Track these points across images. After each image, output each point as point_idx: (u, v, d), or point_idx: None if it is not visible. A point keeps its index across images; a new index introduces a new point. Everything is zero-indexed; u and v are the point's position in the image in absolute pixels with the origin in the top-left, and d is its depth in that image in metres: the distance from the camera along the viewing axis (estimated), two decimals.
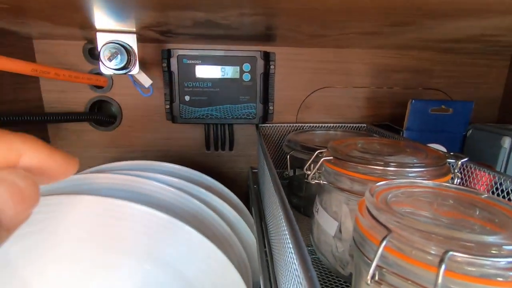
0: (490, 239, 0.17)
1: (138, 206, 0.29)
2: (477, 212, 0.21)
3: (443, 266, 0.15)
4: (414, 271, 0.17)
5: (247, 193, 0.59)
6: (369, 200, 0.21)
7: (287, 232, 0.18)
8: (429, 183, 0.24)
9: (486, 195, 0.22)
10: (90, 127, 0.56)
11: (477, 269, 0.16)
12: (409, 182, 0.24)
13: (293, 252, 0.17)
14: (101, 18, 0.33)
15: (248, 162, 0.60)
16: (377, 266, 0.18)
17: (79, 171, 0.46)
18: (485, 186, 0.34)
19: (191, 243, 0.29)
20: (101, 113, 0.55)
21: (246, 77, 0.51)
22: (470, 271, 0.16)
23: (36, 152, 0.15)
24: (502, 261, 0.16)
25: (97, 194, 0.29)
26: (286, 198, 0.23)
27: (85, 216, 0.28)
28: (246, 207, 0.46)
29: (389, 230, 0.18)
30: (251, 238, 0.39)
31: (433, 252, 0.16)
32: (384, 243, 0.17)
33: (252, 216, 0.43)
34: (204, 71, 0.50)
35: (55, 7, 0.26)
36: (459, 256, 0.16)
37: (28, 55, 0.51)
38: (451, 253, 0.15)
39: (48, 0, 0.24)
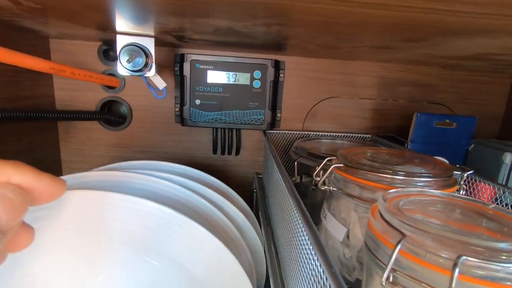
0: (501, 245, 0.18)
1: (152, 204, 0.29)
2: (485, 222, 0.22)
3: (457, 270, 0.16)
4: (427, 274, 0.18)
5: (251, 197, 0.60)
6: (383, 206, 0.21)
7: (306, 233, 0.19)
8: (438, 192, 0.25)
9: (493, 206, 0.23)
10: (100, 126, 0.57)
11: (488, 273, 0.17)
12: (419, 191, 0.25)
13: (313, 252, 0.17)
14: (123, 21, 0.34)
15: (253, 168, 0.61)
16: (391, 269, 0.19)
17: (87, 169, 0.47)
18: (488, 199, 0.35)
19: (203, 243, 0.30)
20: (111, 113, 0.56)
21: (257, 84, 0.52)
22: (481, 275, 0.17)
23: (24, 176, 0.18)
24: None
25: (109, 191, 0.29)
26: (302, 202, 0.23)
27: (91, 210, 0.29)
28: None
29: (403, 234, 0.19)
30: (256, 242, 0.40)
31: (446, 256, 0.17)
32: (399, 246, 0.18)
33: (259, 221, 0.44)
34: (216, 77, 0.51)
35: (83, 9, 0.28)
36: (472, 260, 0.16)
37: (44, 54, 0.52)
38: (464, 257, 0.16)
39: (80, 2, 0.25)
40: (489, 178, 0.34)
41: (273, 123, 0.56)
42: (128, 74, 0.39)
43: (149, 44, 0.40)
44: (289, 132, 0.57)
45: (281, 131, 0.57)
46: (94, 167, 0.47)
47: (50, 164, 0.55)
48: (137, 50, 0.37)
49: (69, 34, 0.47)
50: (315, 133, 0.57)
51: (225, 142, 0.57)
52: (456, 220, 0.22)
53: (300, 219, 0.21)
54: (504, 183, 0.52)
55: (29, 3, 0.26)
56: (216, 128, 0.56)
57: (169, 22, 0.31)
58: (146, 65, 0.39)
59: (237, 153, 0.59)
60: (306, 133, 0.57)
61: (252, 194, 0.59)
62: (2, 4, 0.27)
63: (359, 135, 0.58)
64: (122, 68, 0.38)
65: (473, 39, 0.27)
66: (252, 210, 0.47)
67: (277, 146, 0.57)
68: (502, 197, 0.32)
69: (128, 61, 0.37)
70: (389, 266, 0.18)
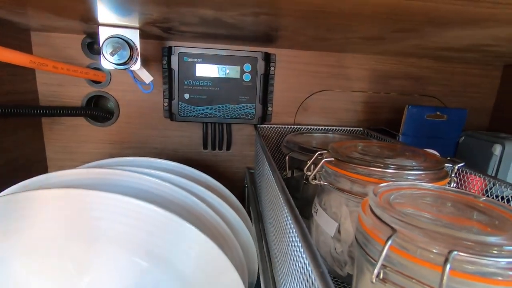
0: (492, 239, 0.17)
1: (138, 201, 0.28)
2: (476, 215, 0.21)
3: (448, 266, 0.15)
4: (418, 270, 0.17)
5: (242, 192, 0.59)
6: (373, 200, 0.21)
7: (294, 231, 0.18)
8: (429, 185, 0.25)
9: (484, 198, 0.23)
10: (86, 122, 0.55)
11: (478, 268, 0.16)
12: (410, 185, 0.25)
13: (301, 250, 0.17)
14: (105, 11, 0.32)
15: (244, 162, 0.60)
16: (382, 265, 0.18)
17: (74, 166, 0.46)
18: (478, 191, 0.35)
19: (191, 240, 0.29)
20: (98, 109, 0.54)
21: (247, 77, 0.51)
22: (472, 270, 0.16)
23: None
24: (503, 261, 0.16)
25: (94, 189, 0.28)
26: (291, 198, 0.23)
27: (74, 209, 0.28)
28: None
29: (393, 230, 0.18)
30: (248, 238, 0.39)
31: (437, 251, 0.17)
32: (389, 242, 0.18)
33: (250, 217, 0.43)
34: (205, 70, 0.50)
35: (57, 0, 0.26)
36: (463, 255, 0.16)
37: (25, 47, 0.50)
38: (455, 252, 0.16)
39: None
40: (480, 170, 0.34)
41: (264, 117, 0.55)
42: (113, 68, 0.38)
43: (134, 36, 0.38)
44: (281, 126, 0.56)
45: (272, 125, 0.56)
46: (81, 164, 0.46)
47: (36, 162, 0.54)
48: (121, 42, 0.36)
49: (51, 26, 0.45)
50: (306, 126, 0.57)
51: (216, 137, 0.57)
52: (447, 213, 0.21)
53: (289, 215, 0.20)
54: (494, 175, 0.53)
55: None
56: (206, 123, 0.55)
57: (153, 12, 0.29)
58: (131, 58, 0.37)
59: (228, 148, 0.58)
60: (298, 127, 0.57)
61: (244, 189, 0.59)
62: None
63: (351, 128, 0.57)
64: (106, 61, 0.37)
65: (463, 29, 0.27)
66: (244, 206, 0.47)
67: (269, 140, 0.56)
68: (493, 189, 0.32)
69: (112, 54, 0.36)
70: (380, 263, 0.18)
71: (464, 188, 0.35)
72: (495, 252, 0.16)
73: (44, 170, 0.56)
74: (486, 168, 0.53)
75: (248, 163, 0.60)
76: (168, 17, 0.31)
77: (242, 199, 0.53)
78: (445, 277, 0.15)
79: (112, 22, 0.37)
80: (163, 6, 0.26)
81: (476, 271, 0.16)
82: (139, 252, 0.29)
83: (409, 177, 0.28)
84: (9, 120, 0.47)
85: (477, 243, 0.17)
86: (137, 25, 0.38)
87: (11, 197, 0.27)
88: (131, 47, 0.37)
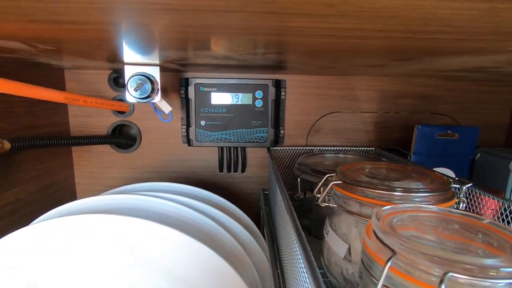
0: (489, 261, 0.18)
1: (157, 225, 0.31)
2: (479, 237, 0.22)
3: (442, 287, 0.16)
4: None
5: (258, 214, 0.60)
6: (376, 224, 0.22)
7: (300, 254, 0.20)
8: (433, 208, 0.26)
9: (487, 221, 0.23)
10: (111, 149, 0.60)
11: None
12: (414, 207, 0.26)
13: (306, 272, 0.18)
14: (130, 53, 0.36)
15: (259, 184, 0.62)
16: (384, 286, 0.19)
17: (100, 190, 0.49)
18: (491, 211, 0.35)
19: (207, 262, 0.31)
20: (122, 136, 0.59)
21: (259, 103, 0.54)
22: None
23: None
24: (501, 283, 0.17)
25: (120, 214, 0.31)
26: (298, 221, 0.24)
27: (105, 234, 0.30)
28: (257, 227, 0.47)
29: (394, 252, 0.19)
30: (263, 259, 0.40)
31: (435, 273, 0.18)
32: (389, 264, 0.19)
33: (264, 238, 0.45)
34: (219, 98, 0.54)
35: (94, 48, 0.30)
36: (460, 277, 0.17)
37: (59, 83, 0.55)
38: (450, 274, 0.17)
39: (90, 43, 0.27)
40: (492, 190, 0.34)
41: (277, 140, 0.57)
42: (135, 101, 0.42)
43: (155, 72, 0.42)
44: (293, 148, 0.58)
45: (284, 148, 0.58)
46: (106, 188, 0.49)
47: (65, 187, 0.58)
48: (143, 79, 0.40)
49: (81, 66, 0.50)
50: (318, 148, 0.58)
51: (231, 160, 0.59)
52: (449, 235, 0.22)
53: (295, 238, 0.22)
54: None
55: (45, 46, 0.28)
56: (222, 147, 0.58)
57: (172, 54, 0.33)
58: (152, 91, 0.41)
59: (243, 170, 0.61)
60: (310, 148, 0.58)
61: (259, 210, 0.60)
62: (21, 47, 0.29)
63: (363, 148, 0.58)
64: (130, 96, 0.41)
65: (459, 57, 0.28)
66: (260, 227, 0.48)
67: (281, 162, 0.58)
68: (507, 209, 0.32)
69: (136, 90, 0.40)
70: (380, 283, 0.19)
71: (477, 209, 0.35)
72: (492, 273, 0.17)
73: (72, 194, 0.60)
74: (505, 185, 0.52)
75: (263, 184, 0.62)
76: (185, 57, 0.35)
77: (257, 220, 0.54)
78: None
79: (136, 61, 0.41)
80: (180, 50, 0.30)
81: None
82: (160, 273, 0.31)
83: (415, 200, 0.29)
84: (44, 149, 0.52)
85: (475, 265, 0.18)
86: (157, 62, 0.42)
87: (53, 222, 0.30)
88: (152, 82, 0.41)
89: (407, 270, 0.19)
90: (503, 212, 0.32)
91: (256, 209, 0.61)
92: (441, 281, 0.17)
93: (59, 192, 0.56)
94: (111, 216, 0.29)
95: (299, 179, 0.45)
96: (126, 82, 0.40)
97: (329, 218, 0.36)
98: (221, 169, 0.60)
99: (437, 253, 0.19)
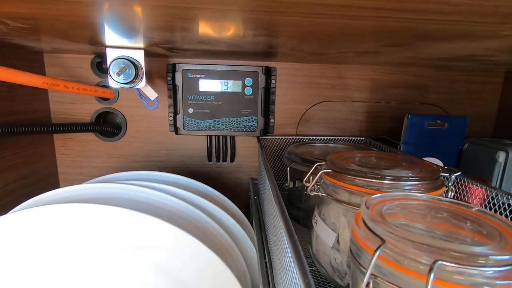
0: (478, 249, 0.18)
1: (141, 214, 0.30)
2: (468, 224, 0.22)
3: (432, 275, 0.16)
4: (406, 280, 0.18)
5: (247, 203, 0.60)
6: (365, 212, 0.22)
7: (287, 242, 0.19)
8: (423, 196, 0.26)
9: (476, 208, 0.23)
10: (95, 138, 0.57)
11: (466, 278, 0.17)
12: (403, 195, 0.25)
13: (292, 260, 0.18)
14: (112, 36, 0.34)
15: (249, 173, 0.61)
16: (372, 275, 0.19)
17: (83, 180, 0.47)
18: (478, 200, 0.35)
19: (193, 251, 0.30)
20: (106, 124, 0.57)
21: (248, 91, 0.53)
22: (459, 280, 0.17)
23: None
24: (489, 270, 0.17)
25: (101, 203, 0.30)
26: (286, 210, 0.24)
27: (85, 223, 0.29)
28: (246, 217, 0.46)
29: (383, 241, 0.19)
30: (251, 248, 0.40)
31: (424, 261, 0.17)
32: (378, 252, 0.18)
33: (253, 227, 0.44)
34: (208, 85, 0.52)
35: (72, 27, 0.28)
36: (449, 265, 0.17)
37: (38, 68, 0.53)
38: (440, 262, 0.16)
39: (67, 20, 0.26)
40: (480, 178, 0.34)
41: (267, 129, 0.56)
42: (119, 87, 0.40)
43: (139, 56, 0.40)
44: (283, 137, 0.57)
45: (274, 137, 0.57)
46: (90, 177, 0.48)
47: (46, 176, 0.56)
48: (126, 63, 0.38)
49: (62, 49, 0.48)
50: (308, 137, 0.57)
51: (220, 149, 0.58)
52: (438, 223, 0.22)
53: (282, 226, 0.21)
54: (499, 181, 0.52)
55: (16, 24, 0.26)
56: (210, 136, 0.57)
57: (155, 36, 0.31)
58: (136, 76, 0.39)
59: (232, 159, 0.60)
60: (300, 137, 0.57)
61: (248, 200, 0.60)
62: None
63: (353, 138, 0.58)
64: (113, 81, 0.39)
65: (452, 43, 0.28)
66: (249, 217, 0.47)
67: (271, 151, 0.57)
68: (494, 197, 0.32)
69: (118, 74, 0.38)
70: (369, 272, 0.18)
71: (464, 197, 0.36)
72: (481, 261, 0.17)
73: (55, 184, 0.58)
74: (491, 175, 0.53)
75: (252, 174, 0.61)
76: (170, 40, 0.33)
77: (246, 210, 0.53)
78: (429, 286, 0.16)
79: (119, 44, 0.39)
80: (165, 31, 0.28)
81: (464, 280, 0.17)
82: (147, 264, 0.30)
83: (405, 188, 0.29)
84: (22, 137, 0.50)
85: (464, 253, 0.17)
86: (142, 46, 0.40)
87: (26, 212, 0.29)
88: (136, 66, 0.39)
89: (396, 258, 0.18)
90: (490, 200, 0.33)
91: (245, 199, 0.61)
92: (431, 269, 0.16)
93: (40, 181, 0.54)
94: (90, 206, 0.28)
95: (288, 168, 0.45)
96: (108, 66, 0.38)
97: (318, 207, 0.35)
98: (209, 159, 0.59)
99: (426, 241, 0.18)
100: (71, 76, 0.54)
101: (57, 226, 0.29)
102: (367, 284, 0.18)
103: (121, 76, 0.38)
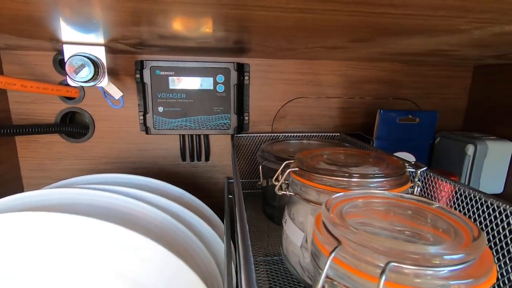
0: (433, 250, 0.17)
1: (103, 223, 0.28)
2: (428, 222, 0.22)
3: (383, 277, 0.16)
4: (362, 283, 0.17)
5: (223, 203, 0.59)
6: (324, 214, 0.21)
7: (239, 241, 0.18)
8: (386, 193, 0.25)
9: (437, 205, 0.23)
10: (61, 139, 0.55)
11: (420, 280, 0.16)
12: (366, 193, 0.25)
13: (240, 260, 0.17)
14: (68, 31, 0.32)
15: (224, 172, 0.60)
16: (329, 278, 0.18)
17: (50, 183, 0.45)
18: (448, 193, 0.35)
19: (158, 259, 0.29)
20: (73, 125, 0.54)
21: (220, 88, 0.51)
22: (414, 282, 0.16)
23: None
24: (443, 270, 0.16)
25: (59, 211, 0.28)
26: (244, 208, 0.23)
27: (43, 233, 0.27)
28: (222, 218, 0.45)
29: (339, 242, 0.18)
30: (223, 251, 0.39)
31: (378, 263, 0.17)
32: (333, 254, 0.18)
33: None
34: (178, 83, 0.50)
35: (15, 23, 0.26)
36: (402, 267, 0.16)
37: None
38: (392, 264, 0.16)
39: (5, 15, 0.23)
40: (446, 172, 0.35)
41: (241, 127, 0.55)
42: (79, 85, 0.38)
43: (99, 53, 0.38)
44: (258, 135, 0.56)
45: (249, 135, 0.56)
46: (57, 181, 0.45)
47: (10, 181, 0.53)
48: (84, 60, 0.36)
49: (19, 45, 0.45)
50: (283, 134, 0.57)
51: (194, 148, 0.56)
52: (398, 220, 0.22)
53: (238, 226, 0.20)
54: (468, 174, 0.54)
55: None
56: (183, 135, 0.55)
57: (114, 31, 0.30)
58: (97, 74, 0.37)
59: (207, 159, 0.58)
60: (275, 135, 0.57)
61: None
62: None
63: (328, 134, 0.58)
64: (71, 79, 0.37)
65: (413, 38, 0.27)
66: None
67: (246, 149, 0.56)
68: (461, 190, 0.32)
69: (76, 72, 0.36)
70: (323, 275, 0.18)
71: (431, 192, 0.36)
72: (436, 261, 0.17)
73: (19, 189, 0.55)
74: (461, 168, 0.54)
75: (228, 173, 0.60)
76: (128, 35, 0.32)
77: (223, 210, 0.52)
78: None
79: (76, 40, 0.37)
80: (124, 26, 0.26)
81: (419, 282, 0.16)
82: (112, 274, 0.29)
83: (371, 185, 0.28)
84: None
85: (418, 254, 0.17)
86: (102, 42, 0.38)
87: None
88: (95, 63, 0.37)
89: (352, 261, 0.18)
90: (461, 194, 0.33)
91: (220, 198, 0.60)
92: (383, 272, 0.16)
93: (2, 187, 0.51)
94: (45, 214, 0.26)
95: (260, 167, 0.44)
96: (64, 63, 0.36)
97: (288, 206, 0.35)
98: (183, 158, 0.57)
99: (382, 243, 0.18)
100: (32, 75, 0.51)
101: (7, 235, 0.27)
102: (322, 287, 0.18)
103: (79, 73, 0.36)
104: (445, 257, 0.17)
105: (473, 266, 0.17)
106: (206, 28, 0.26)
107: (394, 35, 0.26)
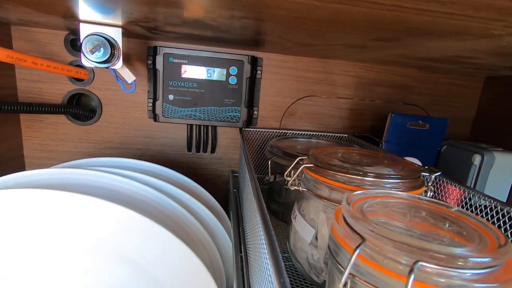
0: (458, 251, 0.17)
1: (111, 204, 0.28)
2: (447, 225, 0.21)
3: (412, 276, 0.15)
4: (385, 280, 0.17)
5: (226, 196, 0.58)
6: (346, 209, 0.21)
7: (263, 237, 0.18)
8: (404, 194, 0.25)
9: (456, 209, 0.23)
10: (67, 121, 0.54)
11: (444, 280, 0.16)
12: (385, 193, 0.25)
13: (267, 257, 0.17)
14: (86, 9, 0.32)
15: (229, 166, 0.60)
16: (350, 274, 0.18)
17: (52, 165, 0.44)
18: (455, 200, 0.35)
19: (163, 244, 0.29)
20: (80, 107, 0.53)
21: (232, 80, 0.51)
22: (438, 282, 0.16)
23: None
24: (468, 273, 0.16)
25: (68, 190, 0.27)
26: (264, 203, 0.22)
27: (49, 212, 0.27)
28: (225, 210, 0.45)
29: (363, 239, 0.18)
30: (227, 242, 0.39)
31: (404, 262, 0.17)
32: (357, 251, 0.18)
33: (230, 220, 0.43)
34: (190, 71, 0.50)
35: None
36: (429, 266, 0.16)
37: (5, 41, 0.48)
38: (420, 263, 0.16)
39: None
40: (457, 179, 0.35)
41: (250, 121, 0.55)
42: (93, 66, 0.37)
43: (116, 35, 0.37)
44: (266, 130, 0.56)
45: (257, 129, 0.56)
46: (60, 163, 0.45)
47: (11, 159, 0.52)
48: (101, 40, 0.35)
49: (31, 21, 0.44)
50: (292, 131, 0.57)
51: (200, 139, 0.56)
52: (418, 222, 0.21)
53: (259, 220, 0.20)
54: (473, 184, 0.54)
55: None
56: (191, 125, 0.55)
57: (133, 11, 0.29)
58: (112, 56, 0.37)
59: (213, 150, 0.58)
60: (283, 131, 0.56)
61: (227, 193, 0.58)
62: None
63: (336, 134, 0.58)
64: (86, 59, 0.36)
65: (441, 40, 0.27)
66: (228, 210, 0.46)
67: (253, 144, 0.56)
68: (467, 198, 0.33)
69: (92, 52, 0.35)
70: (347, 271, 0.17)
71: (441, 197, 0.36)
72: (461, 263, 0.16)
73: (21, 168, 0.54)
74: (466, 177, 0.54)
75: (232, 166, 0.60)
76: (149, 17, 0.31)
77: (226, 203, 0.52)
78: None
79: (94, 19, 0.36)
80: (141, 5, 0.26)
81: (443, 282, 0.16)
82: (113, 257, 0.29)
83: (386, 185, 0.28)
84: None
85: (444, 254, 0.17)
86: (119, 23, 0.37)
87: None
88: (112, 45, 0.36)
89: (375, 258, 0.18)
90: (468, 201, 0.33)
91: (224, 191, 0.59)
92: (411, 270, 0.15)
93: (3, 165, 0.50)
94: (53, 192, 0.26)
95: (270, 162, 0.44)
96: (80, 42, 0.35)
97: (298, 202, 0.34)
98: (189, 149, 0.57)
99: (406, 241, 0.18)
100: (41, 53, 0.50)
101: (12, 213, 0.26)
102: (345, 284, 0.17)
103: (95, 54, 0.35)
104: (470, 259, 0.17)
105: (499, 272, 0.17)
106: (232, 13, 0.26)
107: (423, 35, 0.26)
